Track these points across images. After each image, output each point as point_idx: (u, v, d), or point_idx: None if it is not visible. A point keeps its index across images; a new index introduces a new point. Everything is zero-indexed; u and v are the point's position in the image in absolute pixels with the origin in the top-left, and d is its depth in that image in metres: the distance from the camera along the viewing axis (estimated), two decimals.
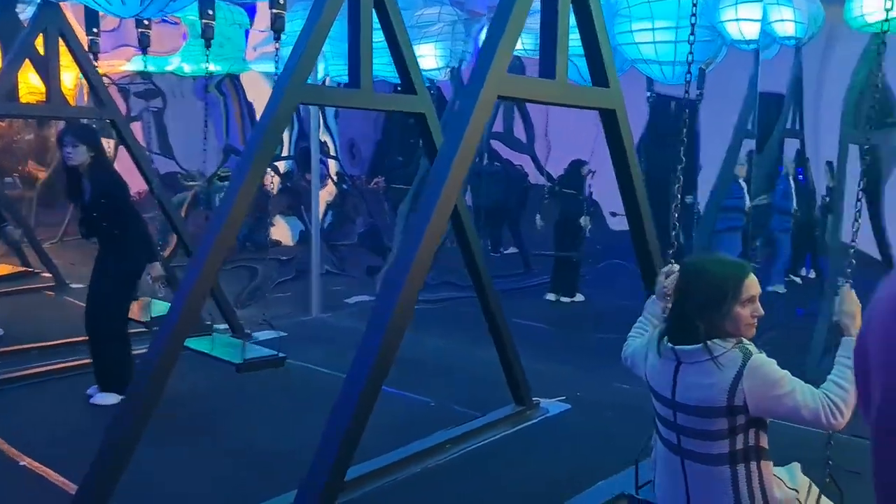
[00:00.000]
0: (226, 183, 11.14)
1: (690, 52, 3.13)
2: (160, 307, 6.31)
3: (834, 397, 2.26)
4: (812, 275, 8.59)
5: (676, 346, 2.42)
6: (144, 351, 5.65)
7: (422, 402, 5.54)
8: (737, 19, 6.83)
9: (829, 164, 8.02)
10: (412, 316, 3.10)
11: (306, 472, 2.92)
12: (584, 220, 8.64)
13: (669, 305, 2.82)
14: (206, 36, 5.17)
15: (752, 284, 2.42)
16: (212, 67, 10.84)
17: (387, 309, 2.97)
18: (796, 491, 2.52)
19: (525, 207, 10.64)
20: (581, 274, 9.19)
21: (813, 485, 2.64)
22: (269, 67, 11.05)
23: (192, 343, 4.79)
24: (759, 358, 2.33)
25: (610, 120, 3.89)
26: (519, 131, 10.38)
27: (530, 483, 4.39)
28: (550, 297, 8.92)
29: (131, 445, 3.43)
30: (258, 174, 3.80)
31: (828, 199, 8.03)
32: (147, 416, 3.48)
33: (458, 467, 4.58)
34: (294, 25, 6.78)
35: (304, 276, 8.65)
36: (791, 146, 7.60)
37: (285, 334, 6.07)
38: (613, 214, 10.38)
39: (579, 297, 8.85)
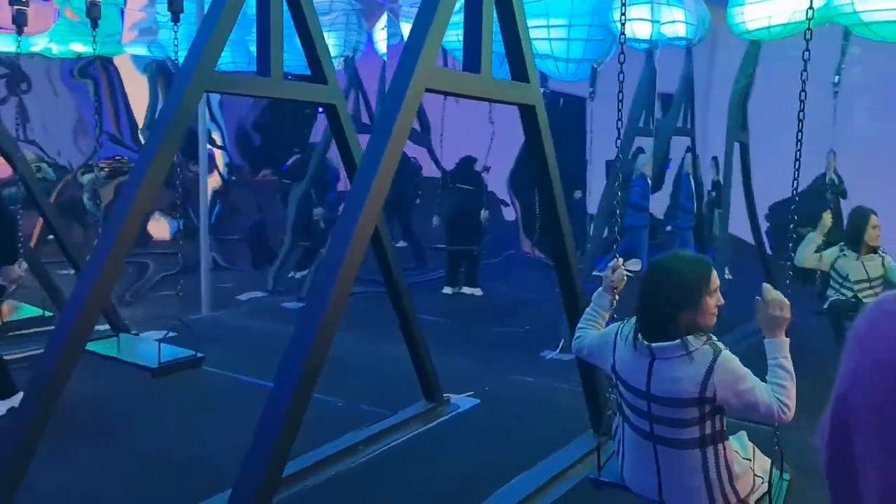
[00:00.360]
0: (88, 176, 10.45)
1: (622, 53, 3.17)
2: (26, 311, 5.83)
3: (783, 398, 2.48)
4: None
5: (653, 344, 2.56)
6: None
7: (329, 402, 5.38)
8: (630, 19, 7.04)
9: (715, 159, 8.44)
10: (344, 311, 2.98)
11: (221, 476, 2.76)
12: (483, 215, 8.67)
13: (616, 298, 3.07)
14: (92, 15, 4.77)
15: (715, 276, 2.60)
16: (82, 49, 10.16)
17: (319, 308, 2.84)
18: (749, 460, 2.75)
19: (418, 200, 10.58)
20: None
21: (757, 449, 2.89)
22: (142, 50, 10.52)
23: (97, 347, 4.44)
24: (727, 354, 2.52)
25: (529, 116, 3.89)
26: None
27: (449, 481, 4.35)
28: (447, 290, 8.91)
29: (26, 459, 3.13)
30: (163, 166, 3.53)
31: (713, 193, 8.44)
32: (42, 426, 3.18)
33: (373, 468, 4.49)
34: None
35: (190, 273, 8.22)
36: (682, 144, 7.92)
37: (175, 334, 5.76)
38: (505, 204, 10.53)
39: (478, 291, 8.89)
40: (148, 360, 4.40)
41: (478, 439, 5.00)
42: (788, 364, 2.55)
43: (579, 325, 3.05)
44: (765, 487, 2.76)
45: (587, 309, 3.09)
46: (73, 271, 6.77)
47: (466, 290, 8.80)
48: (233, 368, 5.88)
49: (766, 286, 2.59)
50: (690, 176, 7.67)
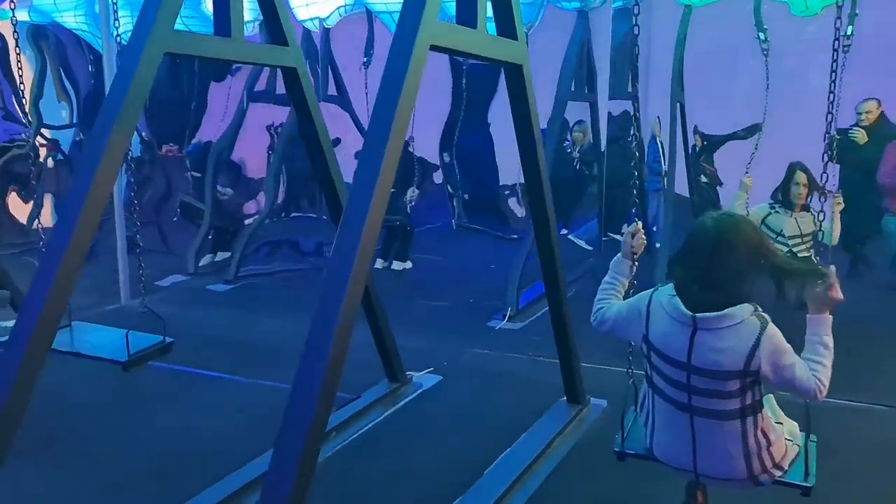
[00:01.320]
0: None
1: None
2: None
3: (820, 376, 2.46)
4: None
5: (697, 315, 2.45)
6: None
7: (283, 389, 5.04)
8: None
9: (657, 119, 8.45)
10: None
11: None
12: (410, 194, 8.43)
13: (636, 264, 2.92)
14: None
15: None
16: None
17: (339, 289, 2.59)
18: (780, 424, 2.72)
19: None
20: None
21: (782, 412, 2.84)
22: (23, 15, 9.54)
23: None
24: (773, 328, 2.45)
25: (516, 75, 3.71)
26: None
27: (433, 461, 4.20)
28: (378, 263, 8.64)
29: None
30: (125, 138, 3.11)
31: None
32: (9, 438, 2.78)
33: (352, 455, 4.27)
34: None
35: (102, 259, 7.53)
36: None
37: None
38: (435, 168, 10.25)
39: (408, 265, 8.65)
40: (114, 352, 3.94)
41: (450, 416, 4.84)
42: (830, 342, 2.53)
43: (599, 298, 2.87)
44: (795, 450, 2.75)
45: (604, 279, 2.92)
46: None
47: (397, 265, 8.54)
48: (175, 360, 5.44)
49: (832, 268, 2.55)
50: (657, 139, 7.65)
